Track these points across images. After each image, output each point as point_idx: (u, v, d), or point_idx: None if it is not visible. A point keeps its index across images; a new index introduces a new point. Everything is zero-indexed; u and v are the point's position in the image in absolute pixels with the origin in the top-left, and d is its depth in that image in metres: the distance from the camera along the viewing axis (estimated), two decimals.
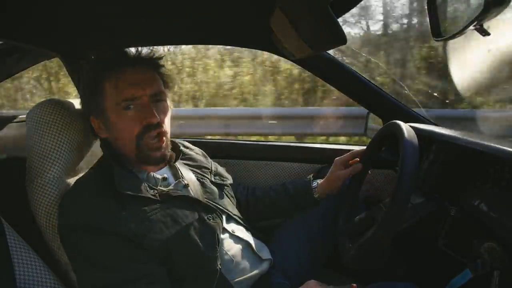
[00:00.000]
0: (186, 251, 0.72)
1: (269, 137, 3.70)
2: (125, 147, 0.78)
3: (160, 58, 0.82)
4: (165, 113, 0.80)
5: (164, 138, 0.79)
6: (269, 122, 3.58)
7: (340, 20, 0.68)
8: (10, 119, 1.00)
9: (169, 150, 0.82)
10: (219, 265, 0.75)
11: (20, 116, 1.01)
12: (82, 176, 0.80)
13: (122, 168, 0.78)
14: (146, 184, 0.77)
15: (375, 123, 1.24)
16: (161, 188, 0.79)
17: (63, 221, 0.71)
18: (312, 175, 1.06)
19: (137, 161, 0.79)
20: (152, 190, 0.76)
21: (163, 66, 0.84)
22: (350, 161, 1.02)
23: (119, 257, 0.67)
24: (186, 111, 4.04)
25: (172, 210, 0.75)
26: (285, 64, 4.51)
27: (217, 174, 0.98)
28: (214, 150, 1.18)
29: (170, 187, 0.81)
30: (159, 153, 0.78)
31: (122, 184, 0.73)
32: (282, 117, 3.63)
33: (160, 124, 0.77)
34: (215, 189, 0.92)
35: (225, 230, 0.84)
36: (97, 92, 0.77)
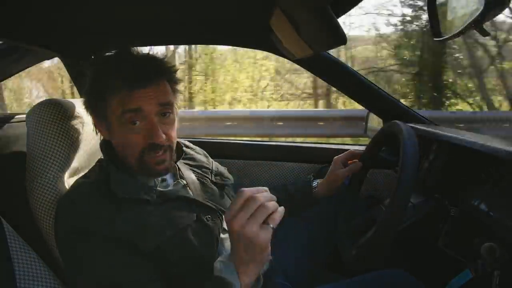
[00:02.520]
0: (183, 253, 0.71)
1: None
2: (127, 155, 0.75)
3: (174, 67, 0.77)
4: (171, 127, 0.76)
5: (168, 153, 0.76)
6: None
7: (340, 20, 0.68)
8: (10, 119, 0.99)
9: (173, 161, 0.80)
10: None
11: (20, 116, 1.01)
12: (80, 178, 0.79)
13: (120, 170, 0.77)
14: (144, 186, 0.77)
15: (375, 123, 1.24)
16: (159, 189, 0.78)
17: (58, 224, 0.71)
18: (312, 175, 1.06)
19: (137, 170, 0.76)
20: (150, 192, 0.76)
21: (175, 72, 0.78)
22: (349, 161, 1.02)
23: (112, 262, 0.65)
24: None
25: (169, 212, 0.74)
26: None
27: (218, 174, 0.97)
28: (214, 150, 1.18)
29: (169, 188, 0.81)
30: (163, 167, 0.75)
31: (118, 187, 0.72)
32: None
33: (164, 143, 0.74)
34: (215, 189, 0.92)
35: (225, 230, 0.83)
36: (100, 99, 0.74)
